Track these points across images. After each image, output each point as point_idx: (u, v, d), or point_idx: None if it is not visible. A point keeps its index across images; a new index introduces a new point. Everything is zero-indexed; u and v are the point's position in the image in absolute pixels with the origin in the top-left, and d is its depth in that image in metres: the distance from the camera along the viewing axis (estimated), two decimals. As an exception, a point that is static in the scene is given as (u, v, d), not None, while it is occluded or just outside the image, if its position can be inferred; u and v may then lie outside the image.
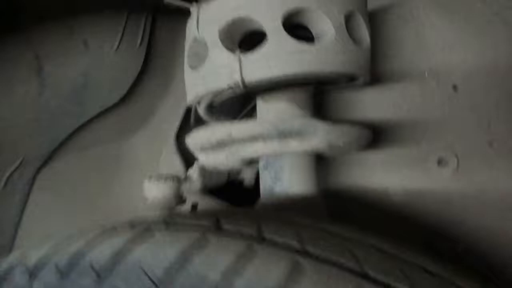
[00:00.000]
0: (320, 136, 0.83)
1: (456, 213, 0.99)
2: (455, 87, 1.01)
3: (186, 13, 1.30)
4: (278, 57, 0.80)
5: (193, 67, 0.92)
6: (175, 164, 1.46)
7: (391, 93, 1.05)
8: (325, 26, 0.83)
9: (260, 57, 0.81)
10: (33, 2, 1.06)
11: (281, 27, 0.80)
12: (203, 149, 0.93)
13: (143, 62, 1.29)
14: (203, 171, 1.15)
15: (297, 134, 0.83)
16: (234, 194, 1.34)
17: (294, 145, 0.83)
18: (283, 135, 0.83)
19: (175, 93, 1.43)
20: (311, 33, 0.88)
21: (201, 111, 1.00)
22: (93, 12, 1.15)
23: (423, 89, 1.03)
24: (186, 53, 0.95)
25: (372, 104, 1.05)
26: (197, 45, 0.92)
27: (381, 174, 1.05)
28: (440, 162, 1.00)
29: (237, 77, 0.81)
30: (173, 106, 1.44)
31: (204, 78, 0.87)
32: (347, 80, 0.94)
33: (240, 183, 1.32)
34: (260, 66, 0.81)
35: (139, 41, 1.25)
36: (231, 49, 0.84)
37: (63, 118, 1.25)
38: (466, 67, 1.00)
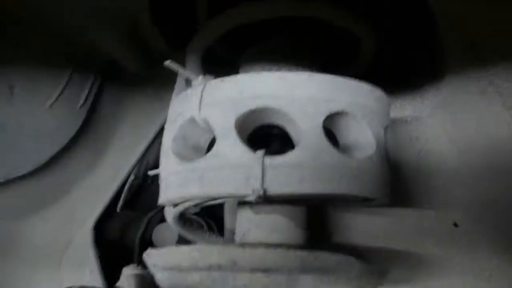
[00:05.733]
0: (355, 275, 0.63)
1: None
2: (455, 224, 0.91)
3: (137, 83, 1.08)
4: (315, 170, 0.61)
5: (182, 157, 0.69)
6: (87, 259, 1.11)
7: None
8: (364, 137, 0.68)
9: (291, 166, 0.61)
10: None
11: (322, 132, 0.63)
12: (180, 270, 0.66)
13: (79, 127, 1.00)
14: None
15: (328, 271, 0.62)
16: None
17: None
18: (310, 269, 0.61)
19: (104, 170, 1.14)
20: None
21: (172, 217, 0.74)
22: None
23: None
24: (169, 133, 0.72)
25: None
26: (193, 128, 0.69)
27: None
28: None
29: (256, 185, 0.60)
30: (98, 187, 1.14)
31: (202, 177, 0.63)
32: (362, 200, 0.77)
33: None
34: (289, 177, 0.60)
35: (81, 102, 0.97)
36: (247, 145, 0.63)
37: None
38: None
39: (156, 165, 1.26)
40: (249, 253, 0.61)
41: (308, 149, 0.61)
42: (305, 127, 0.62)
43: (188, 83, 0.86)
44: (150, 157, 1.22)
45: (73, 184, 1.10)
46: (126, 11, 0.82)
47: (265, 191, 0.60)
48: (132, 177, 1.16)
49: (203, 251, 0.62)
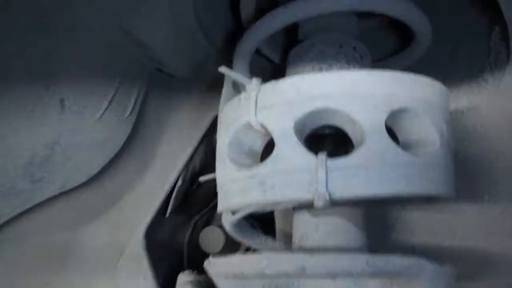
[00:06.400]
0: (425, 277, 0.61)
1: None
2: None
3: (182, 87, 1.08)
4: (382, 171, 0.59)
5: (238, 163, 0.67)
6: (141, 266, 1.13)
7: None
8: (428, 133, 0.65)
9: (356, 168, 0.59)
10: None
11: (385, 131, 0.60)
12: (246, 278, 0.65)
13: (127, 136, 1.01)
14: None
15: (399, 274, 0.60)
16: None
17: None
18: (381, 274, 0.59)
19: (152, 177, 1.15)
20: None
21: (231, 224, 0.73)
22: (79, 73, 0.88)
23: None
24: (223, 139, 0.71)
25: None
26: (248, 133, 0.68)
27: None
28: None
29: (320, 189, 0.58)
30: (147, 193, 1.14)
31: (264, 183, 0.62)
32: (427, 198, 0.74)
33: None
34: (354, 180, 0.58)
35: (128, 111, 0.98)
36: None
37: (7, 199, 0.90)
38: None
39: (202, 169, 1.27)
40: (319, 260, 0.60)
41: (372, 149, 0.59)
42: (367, 126, 0.60)
43: (236, 86, 0.85)
44: (197, 161, 1.22)
45: (124, 192, 1.11)
46: (172, 12, 0.81)
47: (330, 195, 0.58)
48: (179, 182, 1.16)
49: (272, 259, 0.61)
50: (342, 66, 0.80)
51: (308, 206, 0.65)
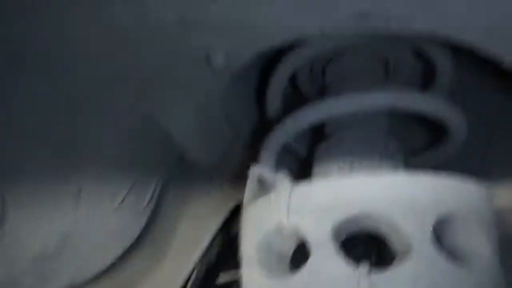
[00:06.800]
0: None
1: None
2: None
3: (202, 178, 1.05)
4: (436, 286, 0.52)
5: (265, 267, 0.61)
6: None
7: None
8: (477, 243, 0.59)
9: (404, 283, 0.53)
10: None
11: (434, 241, 0.55)
12: None
13: (143, 227, 0.96)
14: None
15: None
16: None
17: None
18: None
19: (167, 268, 1.08)
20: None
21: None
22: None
23: None
24: (251, 240, 0.65)
25: None
26: (278, 235, 0.63)
27: None
28: None
29: (364, 308, 0.51)
30: (161, 285, 1.07)
31: (299, 297, 0.55)
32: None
33: None
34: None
35: (146, 201, 0.93)
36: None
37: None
38: None
39: (218, 262, 1.20)
40: None
41: (421, 261, 0.53)
42: (413, 235, 0.55)
43: (261, 183, 0.81)
44: (213, 253, 1.16)
45: (136, 285, 1.03)
46: (198, 101, 0.80)
47: (374, 315, 0.51)
48: (193, 277, 1.09)
49: None
50: (374, 164, 0.76)
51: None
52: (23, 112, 0.77)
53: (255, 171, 0.64)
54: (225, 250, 1.22)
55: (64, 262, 0.86)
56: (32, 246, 0.81)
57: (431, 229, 0.55)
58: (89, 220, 0.86)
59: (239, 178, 0.98)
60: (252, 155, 0.89)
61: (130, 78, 0.72)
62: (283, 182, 0.63)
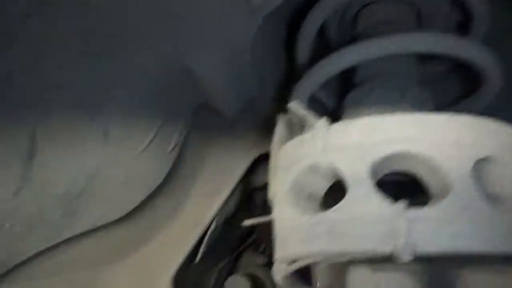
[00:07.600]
0: None
1: None
2: None
3: (224, 126, 1.04)
4: (471, 226, 0.52)
5: (303, 208, 0.62)
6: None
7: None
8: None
9: (441, 220, 0.53)
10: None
11: (473, 181, 0.55)
12: None
13: (166, 174, 0.96)
14: None
15: None
16: None
17: None
18: None
19: (185, 218, 1.09)
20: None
21: (285, 275, 0.66)
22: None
23: None
24: (283, 181, 0.65)
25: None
26: (312, 175, 0.63)
27: None
28: None
29: (401, 243, 0.52)
30: (178, 234, 1.08)
31: (333, 231, 0.56)
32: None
33: None
34: (439, 234, 0.52)
35: (170, 147, 0.93)
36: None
37: (37, 231, 0.84)
38: None
39: (236, 213, 1.21)
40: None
41: (459, 201, 0.53)
42: (452, 175, 0.54)
43: (290, 127, 0.80)
44: (231, 204, 1.17)
45: (154, 232, 1.04)
46: (228, 43, 0.78)
47: (412, 249, 0.51)
48: (213, 226, 1.10)
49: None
50: (406, 112, 0.75)
51: (382, 259, 0.59)
52: (50, 48, 0.75)
53: (293, 108, 0.63)
54: (243, 203, 1.24)
55: (89, 204, 0.86)
56: (59, 184, 0.81)
57: (470, 169, 0.55)
58: (115, 163, 0.86)
59: (263, 129, 0.98)
60: (277, 107, 0.88)
61: (159, 13, 0.70)
62: (319, 121, 0.62)
